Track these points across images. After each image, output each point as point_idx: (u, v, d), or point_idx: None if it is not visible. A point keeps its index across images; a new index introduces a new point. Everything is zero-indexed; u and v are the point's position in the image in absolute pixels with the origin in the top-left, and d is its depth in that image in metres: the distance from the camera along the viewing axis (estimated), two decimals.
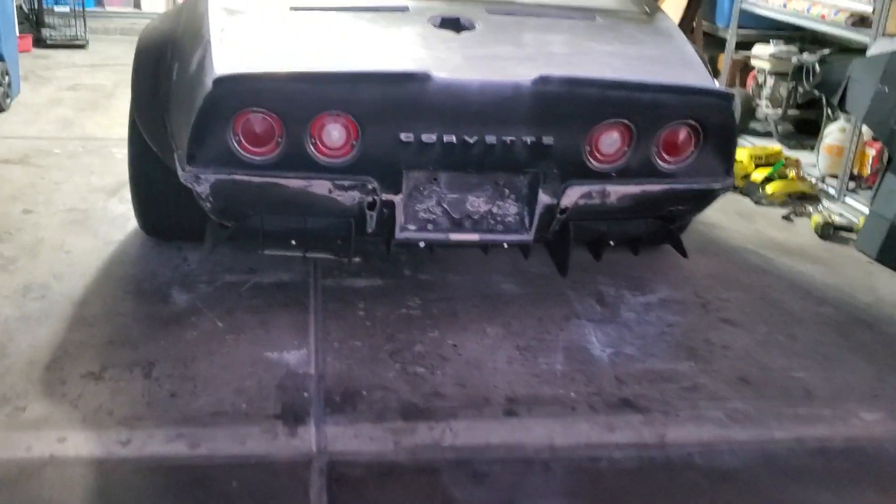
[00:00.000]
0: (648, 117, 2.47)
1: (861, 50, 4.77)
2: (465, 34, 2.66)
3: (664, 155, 2.56)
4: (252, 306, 3.00)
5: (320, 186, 2.43)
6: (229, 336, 2.80)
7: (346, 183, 2.44)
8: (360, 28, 2.66)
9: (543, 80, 2.36)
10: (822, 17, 4.74)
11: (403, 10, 2.79)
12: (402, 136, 2.38)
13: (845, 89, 4.23)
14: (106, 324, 2.82)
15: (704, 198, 2.69)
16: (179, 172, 2.43)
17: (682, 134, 2.54)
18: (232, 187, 2.41)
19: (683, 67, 2.67)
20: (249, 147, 2.38)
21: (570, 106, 2.42)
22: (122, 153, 4.44)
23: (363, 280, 3.23)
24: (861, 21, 4.49)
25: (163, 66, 2.88)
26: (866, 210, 4.20)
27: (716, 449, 2.42)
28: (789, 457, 2.41)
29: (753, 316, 3.22)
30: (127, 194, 3.82)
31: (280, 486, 2.15)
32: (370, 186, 2.45)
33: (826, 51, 4.99)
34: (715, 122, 2.53)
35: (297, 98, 2.33)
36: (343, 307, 3.04)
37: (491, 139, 2.41)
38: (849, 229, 4.12)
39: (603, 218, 2.68)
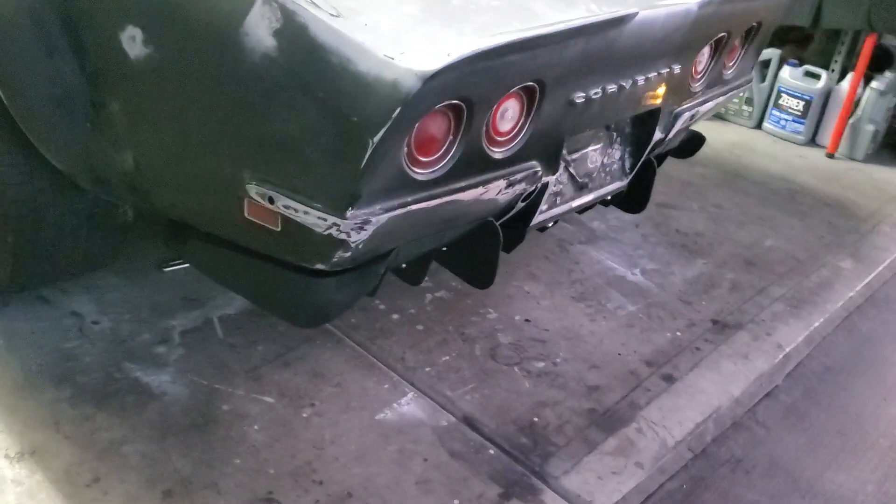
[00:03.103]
0: (739, 25, 2.26)
1: None
2: None
3: (727, 62, 2.39)
4: (272, 354, 2.12)
5: (494, 188, 1.76)
6: (304, 413, 1.98)
7: (519, 175, 1.80)
8: None
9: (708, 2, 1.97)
10: None
11: None
12: (575, 97, 1.81)
13: None
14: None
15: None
16: (322, 223, 1.51)
17: (738, 40, 2.39)
18: (398, 223, 1.60)
19: None
20: (422, 158, 1.59)
21: (714, 25, 2.08)
22: None
23: None
24: None
25: (61, 33, 1.69)
26: None
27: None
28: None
29: (679, 196, 3.33)
30: None
31: None
32: (537, 172, 1.85)
33: None
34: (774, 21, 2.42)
35: (494, 75, 1.58)
36: (366, 316, 2.33)
37: (640, 78, 1.97)
38: None
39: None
